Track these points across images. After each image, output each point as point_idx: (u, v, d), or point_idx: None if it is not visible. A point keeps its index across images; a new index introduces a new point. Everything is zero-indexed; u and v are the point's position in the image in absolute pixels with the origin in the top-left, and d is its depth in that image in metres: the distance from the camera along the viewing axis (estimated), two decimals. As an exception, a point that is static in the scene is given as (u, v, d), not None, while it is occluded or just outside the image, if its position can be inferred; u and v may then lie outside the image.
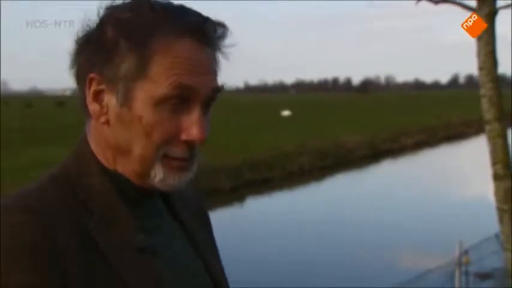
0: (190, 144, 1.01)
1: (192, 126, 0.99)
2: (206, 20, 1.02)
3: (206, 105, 1.02)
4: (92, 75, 1.01)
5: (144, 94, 0.98)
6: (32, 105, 79.97)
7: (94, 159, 1.03)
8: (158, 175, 1.00)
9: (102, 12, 1.02)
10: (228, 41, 1.06)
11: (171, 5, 1.02)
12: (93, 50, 1.01)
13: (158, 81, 0.98)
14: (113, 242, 0.97)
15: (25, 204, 0.94)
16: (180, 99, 0.99)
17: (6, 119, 37.42)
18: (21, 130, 31.83)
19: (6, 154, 20.54)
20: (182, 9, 1.03)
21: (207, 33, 1.02)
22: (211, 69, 1.03)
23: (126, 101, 0.99)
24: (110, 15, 1.01)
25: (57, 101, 78.69)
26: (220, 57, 1.06)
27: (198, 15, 1.03)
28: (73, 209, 0.97)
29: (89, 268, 0.93)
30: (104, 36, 1.00)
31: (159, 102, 0.98)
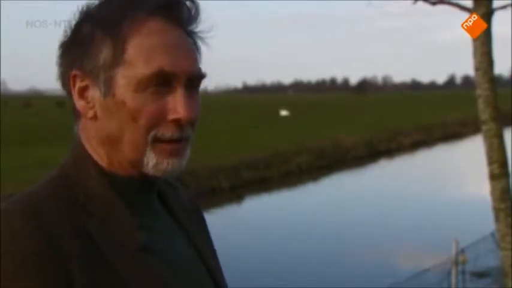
0: (178, 124, 0.99)
1: (177, 105, 0.99)
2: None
3: (190, 85, 1.01)
4: (73, 72, 1.01)
5: (124, 79, 0.98)
6: (31, 105, 79.63)
7: (91, 161, 1.03)
8: (151, 161, 0.99)
9: (78, 13, 1.03)
10: (204, 25, 1.05)
11: None
12: (72, 48, 1.02)
13: (136, 64, 0.98)
14: (114, 243, 0.96)
15: (24, 209, 0.93)
16: (161, 82, 0.98)
17: (6, 119, 37.33)
18: (21, 130, 31.78)
19: (6, 154, 20.50)
20: None
21: (177, 11, 1.02)
22: (188, 50, 1.02)
23: (108, 90, 0.99)
24: (84, 13, 1.02)
25: (57, 101, 78.33)
26: (198, 42, 1.06)
27: None
28: (73, 212, 0.96)
29: (91, 271, 0.92)
30: (80, 33, 1.01)
31: (139, 86, 0.98)
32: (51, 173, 1.03)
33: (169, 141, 1.00)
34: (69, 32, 1.03)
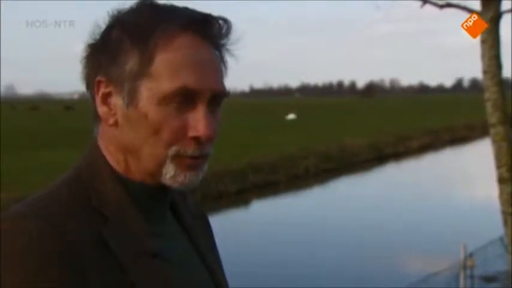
0: (198, 141, 1.00)
1: (198, 123, 0.99)
2: (209, 15, 1.02)
3: (213, 102, 1.01)
4: (99, 78, 1.01)
5: (148, 92, 0.98)
6: (39, 109, 79.86)
7: (106, 165, 1.03)
8: (169, 173, 1.00)
9: (108, 17, 1.03)
10: (233, 39, 1.05)
11: (172, 5, 1.03)
12: (99, 53, 1.02)
13: (161, 79, 0.98)
14: (129, 249, 0.97)
15: (40, 211, 0.93)
16: (184, 98, 0.98)
17: (13, 123, 37.48)
18: (29, 133, 31.93)
19: (13, 157, 20.59)
20: (184, 8, 1.03)
21: (209, 28, 1.02)
22: (215, 67, 1.02)
23: (132, 100, 0.99)
24: (115, 19, 1.02)
25: (65, 105, 78.53)
26: (226, 57, 1.06)
27: (200, 12, 1.03)
28: (87, 215, 0.97)
29: (105, 274, 0.93)
30: (108, 39, 1.01)
31: (163, 100, 0.98)
32: (64, 175, 1.03)
33: (190, 157, 1.01)
34: (97, 35, 1.03)
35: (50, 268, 0.89)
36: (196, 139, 0.99)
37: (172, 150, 0.99)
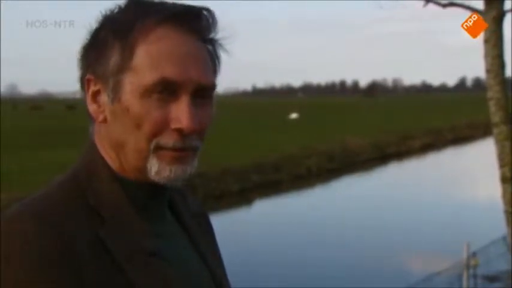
0: (181, 133, 0.98)
1: (180, 115, 0.98)
2: (191, 7, 1.01)
3: (199, 95, 1.00)
4: (88, 76, 1.02)
5: (131, 86, 0.98)
6: (42, 108, 79.86)
7: (103, 164, 1.03)
8: (153, 167, 0.99)
9: (100, 17, 1.04)
10: (222, 33, 1.04)
11: (160, 1, 1.03)
12: (89, 53, 1.03)
13: (142, 71, 0.98)
14: (125, 249, 0.97)
15: (37, 211, 0.93)
16: (165, 90, 0.98)
17: (16, 122, 37.51)
18: (31, 133, 31.96)
19: (16, 157, 20.61)
20: (171, 2, 1.02)
21: (192, 20, 1.01)
22: (199, 59, 1.01)
23: (115, 95, 0.99)
24: (104, 18, 1.03)
25: (67, 105, 78.49)
26: (217, 51, 1.05)
27: (184, 5, 1.02)
28: (85, 215, 0.97)
29: (104, 276, 0.93)
30: (96, 37, 1.02)
31: (144, 94, 0.97)
32: (63, 175, 1.04)
33: (172, 149, 0.99)
34: (88, 36, 1.04)
35: (49, 268, 0.89)
36: (178, 131, 0.98)
37: (154, 142, 0.98)
